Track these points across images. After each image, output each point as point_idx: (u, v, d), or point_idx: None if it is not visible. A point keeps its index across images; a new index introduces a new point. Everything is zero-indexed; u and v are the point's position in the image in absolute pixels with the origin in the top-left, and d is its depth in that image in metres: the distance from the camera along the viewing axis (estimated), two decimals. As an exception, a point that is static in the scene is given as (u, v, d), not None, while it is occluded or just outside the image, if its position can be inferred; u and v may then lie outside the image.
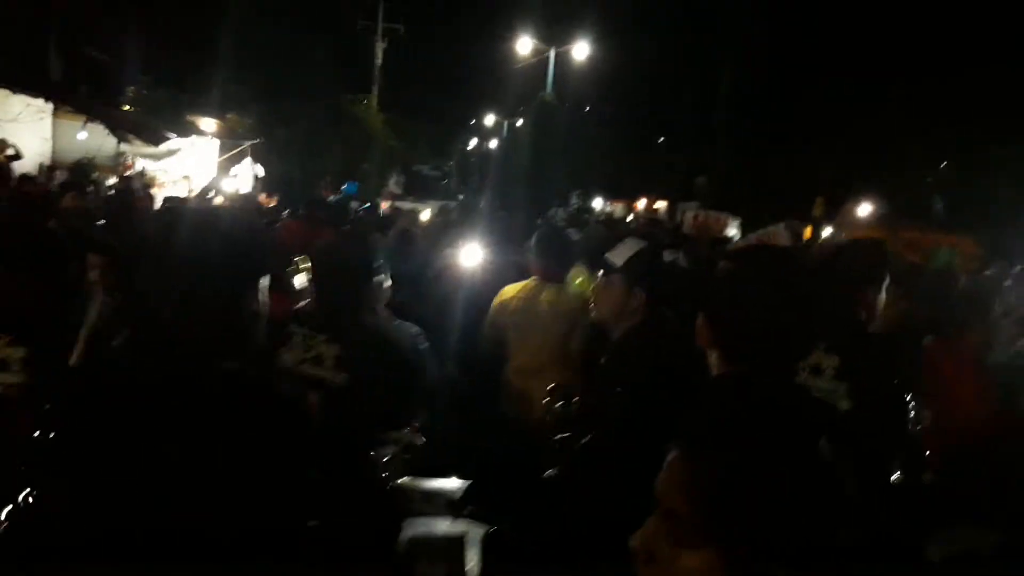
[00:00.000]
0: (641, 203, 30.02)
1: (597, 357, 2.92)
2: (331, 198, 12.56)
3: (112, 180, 13.42)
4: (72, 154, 14.14)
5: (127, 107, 17.55)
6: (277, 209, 10.73)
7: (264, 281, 1.65)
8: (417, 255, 5.69)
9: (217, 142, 18.05)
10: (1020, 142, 18.24)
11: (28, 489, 1.41)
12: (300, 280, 2.88)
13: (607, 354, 2.83)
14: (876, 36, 22.96)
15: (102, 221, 6.28)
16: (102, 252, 3.56)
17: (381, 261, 2.99)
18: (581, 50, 27.99)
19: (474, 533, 2.27)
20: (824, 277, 2.93)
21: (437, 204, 15.63)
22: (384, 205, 14.55)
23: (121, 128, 14.79)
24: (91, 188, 10.15)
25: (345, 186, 16.76)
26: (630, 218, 20.79)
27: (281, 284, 3.25)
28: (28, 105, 13.33)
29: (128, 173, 14.53)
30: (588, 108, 36.80)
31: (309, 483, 1.43)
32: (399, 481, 2.32)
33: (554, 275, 3.93)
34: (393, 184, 21.89)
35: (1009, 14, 19.15)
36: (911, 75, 22.02)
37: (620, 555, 1.12)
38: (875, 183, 18.80)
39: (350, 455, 1.62)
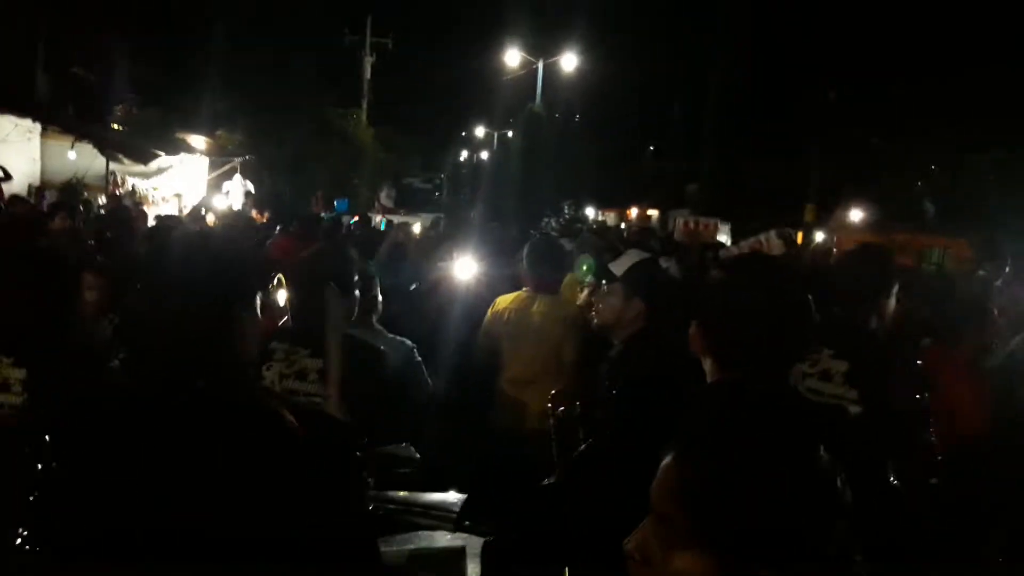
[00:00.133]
0: (633, 212, 30.14)
1: (594, 365, 2.93)
2: (323, 215, 12.55)
3: (102, 200, 13.40)
4: (61, 174, 14.10)
5: (116, 126, 17.52)
6: (269, 225, 10.73)
7: (259, 299, 1.65)
8: (409, 268, 5.69)
9: (207, 159, 18.05)
10: (1010, 145, 18.41)
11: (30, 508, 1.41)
12: (281, 297, 2.88)
13: (607, 362, 2.85)
14: (865, 43, 23.15)
15: (92, 241, 6.27)
16: (98, 272, 3.56)
17: (373, 274, 2.98)
18: (569, 61, 28.12)
19: (473, 545, 2.26)
20: (820, 281, 2.93)
21: (429, 217, 15.63)
22: (377, 218, 14.53)
23: (110, 147, 14.76)
24: (81, 208, 10.13)
25: (336, 203, 16.78)
26: (623, 227, 20.87)
27: (264, 302, 3.24)
28: (16, 126, 13.28)
29: (118, 192, 14.52)
30: (577, 118, 37.00)
31: (293, 500, 1.43)
32: (398, 495, 2.32)
33: (546, 286, 3.94)
34: (384, 197, 21.85)
35: (999, 19, 19.34)
36: (901, 81, 22.21)
37: (618, 562, 1.13)
38: (866, 188, 18.94)
39: (337, 471, 1.61)
